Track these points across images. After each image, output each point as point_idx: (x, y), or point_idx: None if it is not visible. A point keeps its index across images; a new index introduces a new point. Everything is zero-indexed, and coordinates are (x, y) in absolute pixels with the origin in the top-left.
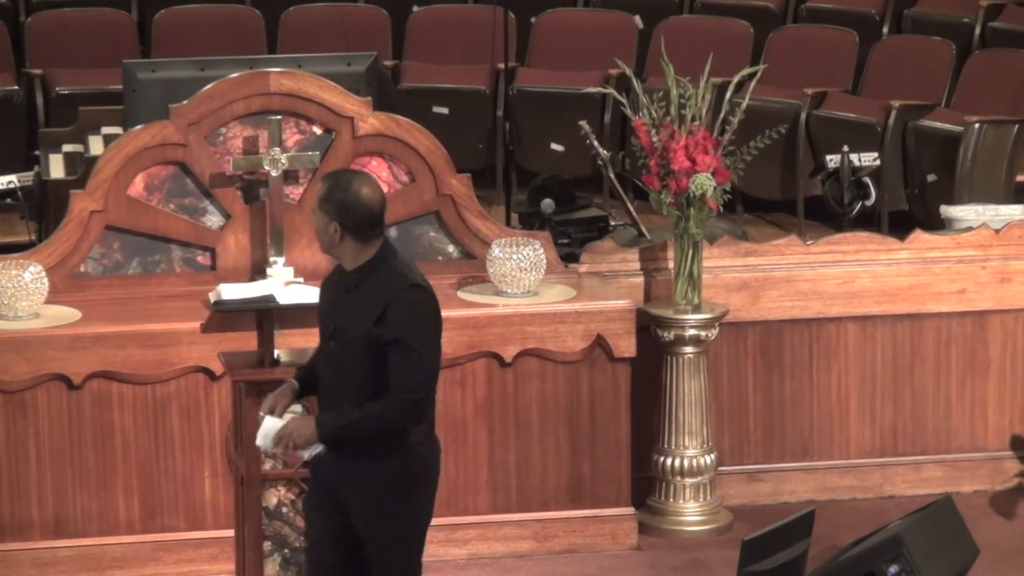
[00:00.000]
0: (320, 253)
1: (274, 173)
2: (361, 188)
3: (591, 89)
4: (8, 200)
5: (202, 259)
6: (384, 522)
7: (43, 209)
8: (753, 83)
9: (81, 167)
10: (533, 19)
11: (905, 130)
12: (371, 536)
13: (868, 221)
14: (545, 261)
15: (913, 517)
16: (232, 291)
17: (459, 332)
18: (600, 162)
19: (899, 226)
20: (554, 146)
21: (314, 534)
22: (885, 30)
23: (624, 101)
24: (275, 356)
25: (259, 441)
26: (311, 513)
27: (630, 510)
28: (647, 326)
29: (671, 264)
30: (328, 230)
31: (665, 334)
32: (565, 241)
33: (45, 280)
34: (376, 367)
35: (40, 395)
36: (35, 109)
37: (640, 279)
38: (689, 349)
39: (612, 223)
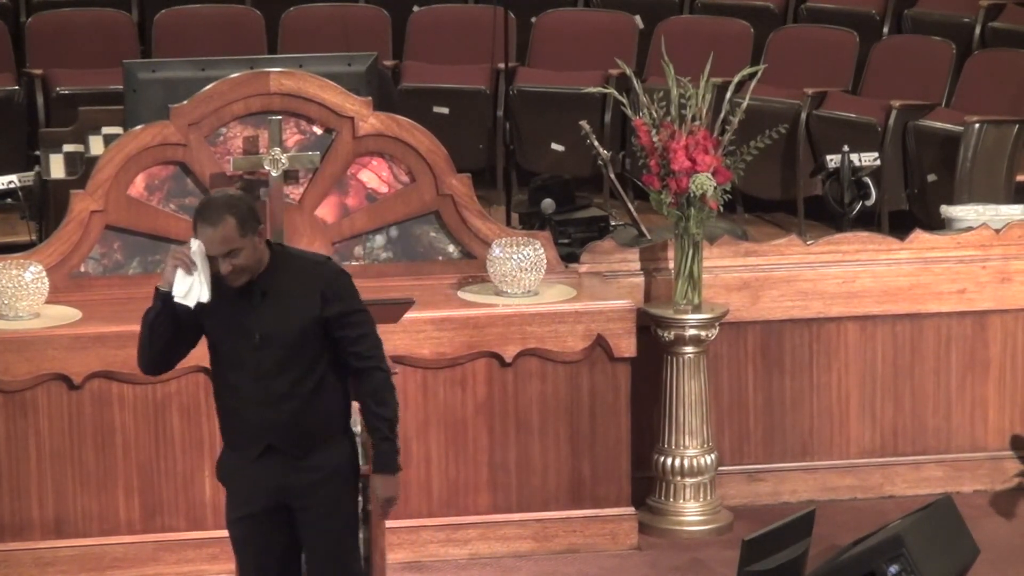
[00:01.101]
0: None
1: (274, 173)
2: (235, 190)
3: (591, 89)
4: (8, 200)
5: None
6: (342, 515)
7: (43, 209)
8: (753, 83)
9: (81, 167)
10: (533, 19)
11: (905, 130)
12: (331, 531)
13: (868, 221)
14: (545, 261)
15: (913, 517)
16: None
17: (459, 332)
18: (600, 162)
19: (899, 226)
20: (554, 146)
21: (254, 544)
22: (885, 30)
23: (624, 101)
24: None
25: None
26: (247, 532)
27: (630, 510)
28: (647, 326)
29: (671, 264)
30: (255, 242)
31: (665, 334)
32: (565, 241)
33: (45, 280)
34: (317, 355)
35: (40, 395)
36: (35, 109)
37: (640, 279)
38: (689, 349)
39: (612, 223)
